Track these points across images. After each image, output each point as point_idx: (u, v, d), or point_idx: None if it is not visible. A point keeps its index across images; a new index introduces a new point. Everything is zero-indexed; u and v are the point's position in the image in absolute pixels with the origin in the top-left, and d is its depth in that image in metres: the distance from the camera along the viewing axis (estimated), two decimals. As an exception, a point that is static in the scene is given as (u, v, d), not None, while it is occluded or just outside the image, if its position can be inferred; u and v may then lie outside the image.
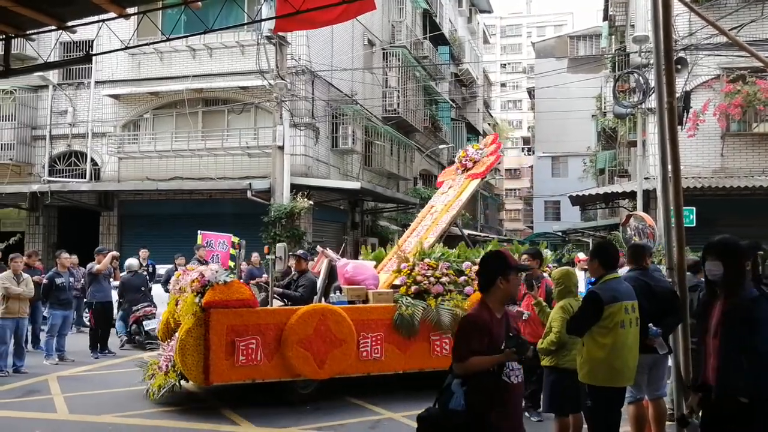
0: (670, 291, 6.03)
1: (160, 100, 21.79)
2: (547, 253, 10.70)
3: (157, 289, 15.03)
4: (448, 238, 12.13)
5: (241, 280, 12.52)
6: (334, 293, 9.78)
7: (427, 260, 9.80)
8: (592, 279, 6.00)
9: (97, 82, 22.17)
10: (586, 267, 12.21)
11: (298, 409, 8.68)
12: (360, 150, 23.92)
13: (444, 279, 9.62)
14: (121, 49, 13.34)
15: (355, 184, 20.85)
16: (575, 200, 24.58)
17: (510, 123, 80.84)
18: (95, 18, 8.85)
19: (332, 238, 22.34)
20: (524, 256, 8.58)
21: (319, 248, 11.86)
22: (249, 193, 18.95)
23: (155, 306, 14.23)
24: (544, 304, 7.10)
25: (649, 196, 18.20)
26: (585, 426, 6.24)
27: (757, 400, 4.30)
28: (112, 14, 8.30)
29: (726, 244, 4.63)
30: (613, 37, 30.76)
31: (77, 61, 19.01)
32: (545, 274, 8.56)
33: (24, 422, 8.30)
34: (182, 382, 9.01)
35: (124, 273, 14.71)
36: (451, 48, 36.50)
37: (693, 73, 17.96)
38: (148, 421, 8.32)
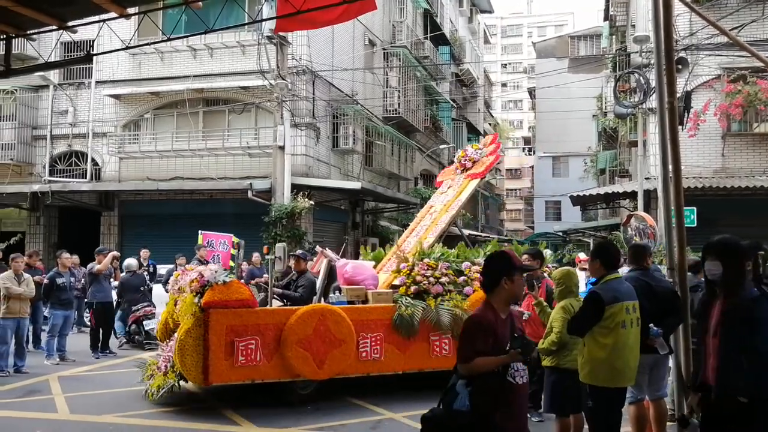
0: (671, 291, 6.03)
1: (161, 100, 21.79)
2: (547, 253, 10.70)
3: (158, 289, 15.02)
4: (448, 238, 12.12)
5: (242, 280, 12.56)
6: (334, 293, 9.77)
7: (426, 260, 9.80)
8: (593, 279, 6.00)
9: (97, 82, 22.18)
10: (586, 267, 12.24)
11: (299, 410, 8.67)
12: (361, 150, 23.91)
13: (443, 279, 9.62)
14: (122, 49, 13.35)
15: (355, 184, 20.84)
16: (576, 200, 24.58)
17: (511, 123, 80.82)
18: (96, 18, 8.85)
19: (333, 238, 22.33)
20: (524, 257, 8.58)
21: (318, 248, 11.85)
22: (250, 193, 18.95)
23: (154, 306, 14.24)
24: (545, 304, 7.10)
25: (649, 196, 18.20)
26: (586, 426, 6.24)
27: (758, 400, 4.30)
28: (113, 14, 8.30)
29: (725, 243, 4.63)
30: (613, 37, 30.76)
31: (78, 61, 19.04)
32: (545, 274, 8.56)
33: (25, 422, 8.30)
34: (181, 382, 9.01)
35: (123, 273, 14.71)
36: (451, 48, 36.50)
37: (694, 73, 17.97)
38: (148, 421, 8.32)
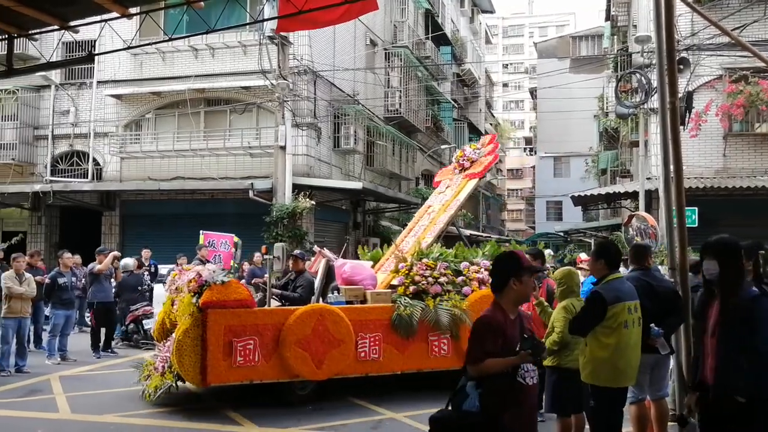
0: (673, 291, 6.02)
1: (162, 100, 21.81)
2: (548, 253, 10.71)
3: (159, 289, 15.02)
4: (447, 239, 12.12)
5: (243, 280, 12.56)
6: (332, 293, 9.75)
7: (425, 260, 9.79)
8: (592, 278, 5.99)
9: (99, 82, 22.19)
10: (583, 267, 12.24)
11: (300, 409, 8.67)
12: (362, 150, 23.92)
13: (442, 279, 9.62)
14: (124, 49, 13.37)
15: (357, 184, 20.85)
16: (577, 200, 24.58)
17: (512, 123, 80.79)
18: (98, 18, 8.85)
19: (334, 238, 22.35)
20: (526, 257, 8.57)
21: (316, 248, 11.84)
22: (251, 193, 18.96)
23: (153, 305, 14.30)
24: (546, 304, 7.10)
25: (651, 196, 18.19)
26: (587, 426, 6.24)
27: (758, 400, 4.29)
28: (115, 14, 8.30)
29: (722, 243, 4.63)
30: (615, 37, 30.74)
31: (79, 60, 19.08)
32: (546, 274, 8.55)
33: (26, 422, 8.31)
34: (179, 383, 8.97)
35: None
36: (453, 48, 36.50)
37: (695, 73, 17.95)
38: (149, 421, 8.33)
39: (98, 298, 13.34)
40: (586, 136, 43.99)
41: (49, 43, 19.51)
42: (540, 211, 58.51)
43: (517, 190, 73.57)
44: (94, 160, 22.20)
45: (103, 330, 13.54)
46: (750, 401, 4.30)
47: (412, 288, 9.50)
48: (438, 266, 9.72)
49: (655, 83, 14.91)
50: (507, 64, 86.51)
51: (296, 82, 19.65)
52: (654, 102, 17.23)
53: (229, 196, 20.50)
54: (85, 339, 13.87)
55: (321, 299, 9.80)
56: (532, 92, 59.05)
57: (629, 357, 5.52)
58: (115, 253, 14.20)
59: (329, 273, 10.16)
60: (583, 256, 15.31)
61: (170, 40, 12.58)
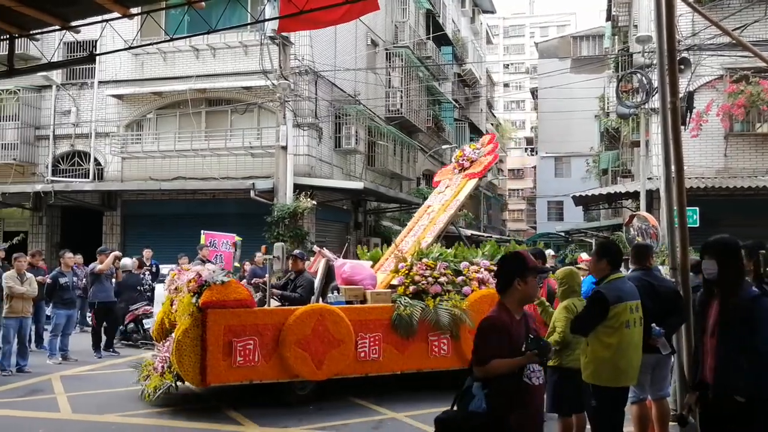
0: (674, 291, 6.02)
1: (164, 100, 21.82)
2: (549, 253, 10.70)
3: (160, 289, 15.04)
4: (448, 239, 12.11)
5: (245, 280, 12.56)
6: (332, 293, 9.74)
7: (425, 260, 9.79)
8: (592, 279, 5.99)
9: (100, 82, 22.21)
10: (582, 267, 12.22)
11: (301, 409, 8.68)
12: (363, 150, 23.93)
13: (442, 279, 9.61)
14: (125, 49, 13.37)
15: (358, 184, 20.86)
16: (578, 200, 24.58)
17: (513, 123, 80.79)
18: (99, 18, 8.87)
19: (335, 238, 22.36)
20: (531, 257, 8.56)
21: (316, 248, 11.83)
22: (252, 193, 18.97)
23: (153, 305, 14.34)
24: (547, 303, 7.10)
25: (652, 196, 18.19)
26: (588, 426, 6.24)
27: (758, 400, 4.30)
28: (116, 14, 8.31)
29: (721, 243, 4.64)
30: (616, 37, 30.74)
31: (81, 61, 19.09)
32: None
33: (27, 421, 8.32)
34: (179, 383, 8.95)
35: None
36: (454, 48, 36.51)
37: (696, 73, 17.94)
38: (150, 420, 8.33)
39: (99, 298, 13.34)
40: (587, 136, 44.01)
41: (51, 44, 19.53)
42: (541, 211, 58.54)
43: (518, 190, 73.58)
44: (96, 160, 22.21)
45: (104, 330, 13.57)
46: (750, 401, 4.30)
47: (412, 288, 9.49)
48: (438, 266, 9.71)
49: (656, 83, 14.90)
50: (508, 64, 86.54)
51: (297, 83, 19.66)
52: (655, 102, 17.21)
53: (230, 196, 20.50)
54: (87, 339, 13.87)
55: (321, 299, 9.79)
56: (533, 92, 59.05)
57: (631, 357, 5.53)
58: (116, 253, 14.21)
59: (329, 273, 10.14)
60: (585, 256, 15.31)
61: (171, 40, 12.58)
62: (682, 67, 15.98)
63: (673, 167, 5.92)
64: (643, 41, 17.50)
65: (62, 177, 22.23)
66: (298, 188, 18.87)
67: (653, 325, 5.88)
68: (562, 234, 37.86)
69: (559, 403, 6.41)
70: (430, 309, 9.32)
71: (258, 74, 19.06)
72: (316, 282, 10.09)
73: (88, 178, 22.00)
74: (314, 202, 18.69)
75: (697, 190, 16.92)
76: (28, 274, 11.78)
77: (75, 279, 13.21)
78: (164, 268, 16.55)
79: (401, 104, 26.68)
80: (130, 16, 8.74)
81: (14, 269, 11.62)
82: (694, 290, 6.29)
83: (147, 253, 16.75)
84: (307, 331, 8.68)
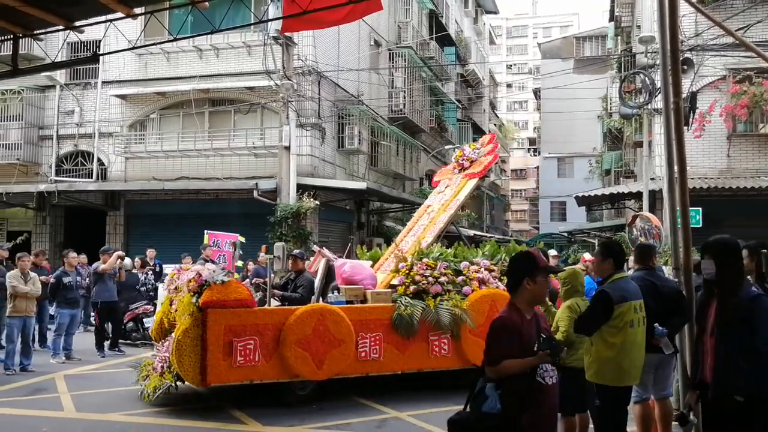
0: (677, 291, 6.03)
1: (167, 100, 21.84)
2: (552, 253, 10.70)
3: (163, 289, 15.10)
4: (448, 239, 12.11)
5: (247, 280, 12.57)
6: (332, 293, 9.75)
7: (425, 260, 9.80)
8: (589, 279, 6.00)
9: (104, 82, 22.24)
10: (580, 267, 12.21)
11: (304, 408, 8.69)
12: (366, 150, 23.94)
13: (442, 279, 9.62)
14: (128, 49, 13.39)
15: (361, 185, 20.86)
16: (581, 201, 24.56)
17: (516, 124, 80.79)
18: (102, 18, 8.89)
19: (338, 238, 22.37)
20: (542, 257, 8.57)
21: (315, 247, 11.83)
22: (255, 193, 18.98)
23: (153, 304, 14.40)
24: (549, 303, 7.11)
25: (655, 196, 18.18)
26: (591, 425, 6.25)
27: (758, 399, 4.30)
28: (120, 14, 8.33)
29: (720, 243, 4.65)
30: (619, 37, 30.71)
31: (84, 61, 19.11)
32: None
33: (31, 420, 8.34)
34: (178, 383, 8.95)
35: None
36: (457, 49, 36.52)
37: (699, 73, 17.92)
38: (154, 419, 8.35)
39: (102, 298, 13.36)
40: (589, 136, 43.97)
41: (54, 44, 19.56)
42: (544, 211, 58.52)
43: (521, 190, 73.54)
44: (99, 160, 22.24)
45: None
46: (749, 401, 4.31)
47: (412, 288, 9.50)
48: (438, 266, 9.72)
49: (658, 84, 14.90)
50: (511, 65, 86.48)
51: (301, 83, 19.67)
52: (658, 102, 17.21)
53: (233, 196, 20.51)
54: (90, 338, 13.91)
55: (321, 299, 9.80)
56: (536, 93, 59.00)
57: (634, 356, 5.54)
58: (120, 252, 14.24)
59: (329, 272, 10.14)
60: (587, 256, 15.32)
61: (175, 40, 12.60)
62: (685, 67, 15.98)
63: (676, 167, 5.92)
64: (646, 42, 17.49)
65: (66, 177, 22.25)
66: (301, 188, 18.89)
67: (656, 324, 5.89)
68: (565, 234, 37.84)
69: (562, 403, 6.37)
70: (431, 309, 9.33)
71: (261, 74, 19.07)
72: (316, 282, 10.08)
73: (92, 178, 22.02)
74: (317, 202, 18.69)
75: (700, 190, 16.91)
76: (32, 274, 11.82)
77: (78, 278, 13.24)
78: (167, 268, 16.59)
79: (404, 104, 26.69)
80: (134, 16, 8.75)
81: (18, 269, 11.66)
82: (695, 290, 6.30)
83: (150, 252, 16.80)
84: (308, 330, 8.69)
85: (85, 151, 22.56)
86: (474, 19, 44.88)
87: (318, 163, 20.83)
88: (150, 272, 15.94)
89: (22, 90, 22.36)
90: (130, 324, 14.51)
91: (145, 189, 21.23)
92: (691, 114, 16.77)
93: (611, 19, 32.20)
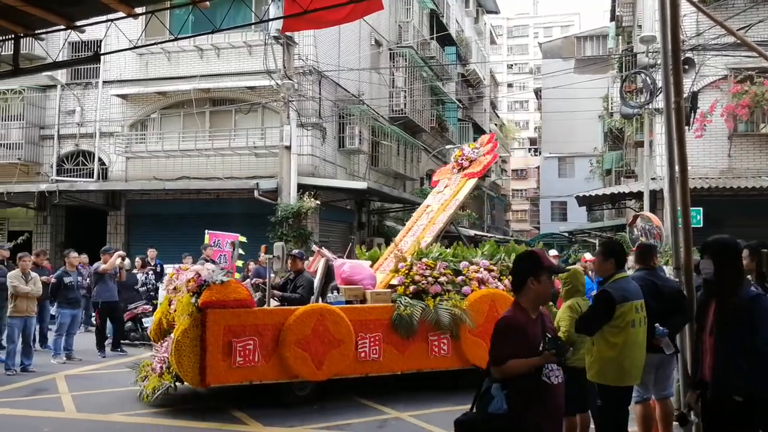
0: (678, 291, 6.02)
1: (168, 99, 21.83)
2: (552, 253, 10.68)
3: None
4: (448, 239, 12.10)
5: (248, 279, 12.57)
6: (332, 293, 9.73)
7: (424, 260, 9.79)
8: (598, 278, 6.00)
9: (105, 82, 22.24)
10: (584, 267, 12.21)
11: (306, 409, 8.69)
12: (367, 150, 23.94)
13: (442, 279, 9.61)
14: (129, 49, 13.40)
15: (361, 184, 20.85)
16: (582, 201, 24.55)
17: (517, 123, 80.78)
18: (104, 18, 8.89)
19: (339, 238, 22.37)
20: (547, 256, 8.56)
21: (315, 247, 11.81)
22: (256, 193, 18.97)
23: (153, 305, 14.41)
24: (550, 303, 7.10)
25: (656, 196, 18.17)
26: (592, 425, 6.25)
27: (757, 399, 4.30)
28: (121, 14, 8.34)
29: (719, 243, 4.66)
30: (620, 37, 30.70)
31: (85, 60, 19.10)
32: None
33: (32, 421, 8.34)
34: (177, 383, 8.93)
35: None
36: (457, 48, 36.50)
37: (700, 73, 17.90)
38: (155, 420, 8.35)
39: (103, 298, 13.36)
40: (590, 136, 43.95)
41: (55, 43, 19.56)
42: (544, 211, 58.51)
43: (521, 190, 73.51)
44: (100, 159, 22.24)
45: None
46: (748, 401, 4.31)
47: (412, 288, 9.49)
48: (438, 266, 9.71)
49: (660, 83, 14.89)
50: (512, 65, 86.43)
51: (301, 82, 19.66)
52: (659, 102, 17.20)
53: (234, 196, 20.51)
54: (91, 338, 13.91)
55: (320, 299, 9.78)
56: (537, 92, 58.99)
57: (635, 356, 5.54)
58: (120, 252, 14.24)
59: (328, 272, 10.13)
60: (588, 256, 15.32)
61: (176, 39, 12.63)
62: (687, 67, 15.98)
63: (677, 167, 5.91)
64: (647, 41, 17.47)
65: (67, 177, 22.25)
66: (302, 188, 18.88)
67: (657, 324, 5.89)
68: (566, 234, 37.84)
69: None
70: (431, 309, 9.31)
71: (262, 74, 19.06)
72: (316, 282, 10.06)
73: (93, 177, 22.02)
74: (318, 202, 18.69)
75: (701, 190, 16.90)
76: (33, 274, 11.82)
77: (80, 278, 13.24)
78: (168, 268, 16.61)
79: (405, 104, 26.68)
80: (135, 16, 8.76)
81: (19, 269, 11.66)
82: (696, 290, 6.30)
83: (151, 252, 16.80)
84: (307, 331, 8.67)
85: (86, 151, 22.56)
86: (475, 19, 44.86)
87: (319, 163, 20.83)
88: (151, 272, 15.95)
89: (23, 90, 22.36)
90: (129, 324, 14.53)
91: (146, 189, 21.23)
92: (692, 114, 16.77)
93: (612, 18, 32.19)
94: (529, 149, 78.41)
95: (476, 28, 45.38)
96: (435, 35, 31.47)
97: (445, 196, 11.93)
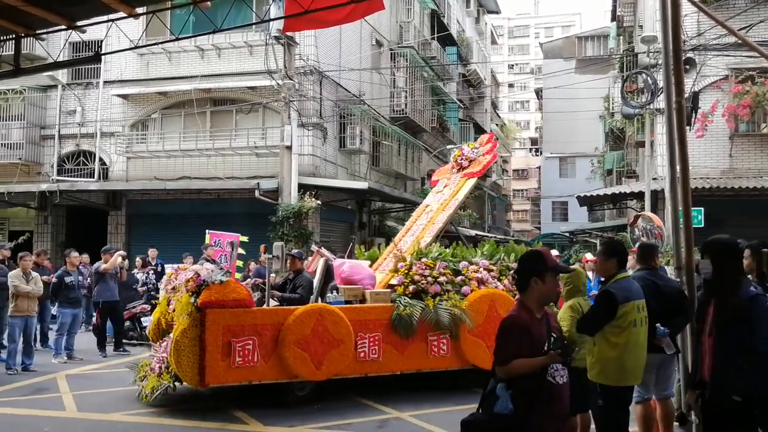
0: (679, 291, 6.02)
1: (169, 99, 21.84)
2: (554, 253, 10.66)
3: (165, 288, 15.11)
4: (448, 239, 12.08)
5: (249, 279, 12.56)
6: (331, 293, 9.72)
7: (424, 260, 9.78)
8: (600, 278, 5.99)
9: (105, 82, 22.25)
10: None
11: (306, 408, 8.68)
12: (368, 150, 23.94)
13: (441, 279, 9.60)
14: (130, 49, 13.41)
15: (362, 184, 20.86)
16: (583, 201, 24.54)
17: (518, 124, 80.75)
18: (105, 18, 8.89)
19: (340, 238, 22.37)
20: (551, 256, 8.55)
21: (314, 247, 11.80)
22: (257, 193, 18.98)
23: (153, 305, 14.42)
24: (552, 303, 7.08)
25: (657, 196, 18.17)
26: (593, 425, 6.24)
27: (756, 399, 4.30)
28: (122, 14, 8.33)
29: (718, 243, 4.66)
30: (621, 37, 30.70)
31: (86, 60, 19.08)
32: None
33: (32, 420, 8.34)
34: (176, 383, 8.92)
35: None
36: (458, 48, 36.49)
37: (701, 73, 17.90)
38: (156, 419, 8.35)
39: (104, 297, 13.35)
40: (591, 136, 43.95)
41: (56, 43, 19.57)
42: (545, 211, 58.51)
43: (522, 190, 73.51)
44: (101, 159, 22.26)
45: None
46: (747, 400, 4.30)
47: (411, 287, 9.48)
48: (437, 266, 9.70)
49: (661, 83, 14.88)
50: (513, 65, 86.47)
51: (302, 82, 19.66)
52: (660, 102, 17.21)
53: (235, 196, 20.52)
54: (92, 338, 13.91)
55: (320, 299, 9.77)
56: (538, 93, 59.00)
57: (637, 356, 5.54)
58: (121, 252, 14.24)
59: (328, 272, 10.11)
60: (589, 256, 15.31)
61: (177, 39, 12.64)
62: (688, 67, 15.98)
63: (678, 167, 5.90)
64: (648, 41, 17.46)
65: (67, 176, 22.26)
66: (303, 188, 18.88)
67: (658, 324, 5.89)
68: (567, 234, 37.82)
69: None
70: (430, 309, 9.30)
71: (263, 74, 19.05)
72: (315, 281, 10.04)
73: (93, 177, 22.03)
74: (319, 202, 18.68)
75: (702, 190, 16.89)
76: (34, 273, 11.83)
77: (80, 278, 13.24)
78: (169, 268, 16.61)
79: (406, 104, 26.68)
80: (136, 16, 8.75)
81: (20, 268, 11.67)
82: (697, 290, 6.30)
83: (152, 252, 16.82)
84: (307, 331, 8.66)
85: (87, 151, 22.57)
86: (476, 19, 44.85)
87: (320, 163, 20.83)
88: (151, 272, 15.95)
89: (24, 90, 22.38)
90: (127, 323, 14.52)
91: (147, 189, 21.24)
92: (694, 114, 16.77)
93: (613, 18, 32.20)
94: (530, 149, 78.42)
95: (477, 28, 45.37)
96: (436, 35, 31.47)
97: (444, 196, 11.92)
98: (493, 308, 9.52)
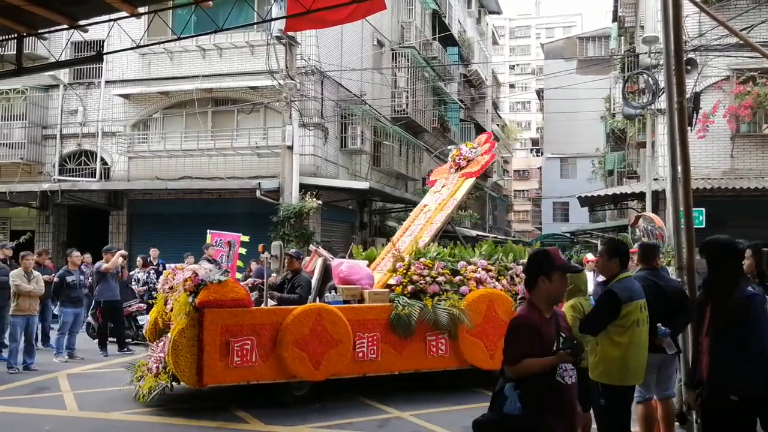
0: (680, 291, 6.02)
1: (170, 99, 21.85)
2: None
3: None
4: (448, 239, 12.08)
5: (250, 279, 12.56)
6: (329, 293, 9.70)
7: (422, 259, 9.78)
8: (601, 278, 5.99)
9: (107, 82, 22.26)
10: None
11: (307, 407, 8.69)
12: (369, 150, 23.95)
13: (440, 278, 9.60)
14: (132, 49, 13.42)
15: (363, 184, 20.86)
16: (584, 201, 24.53)
17: (519, 124, 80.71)
18: (107, 17, 8.90)
19: (341, 237, 22.38)
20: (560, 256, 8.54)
21: (312, 247, 11.80)
22: (258, 193, 18.99)
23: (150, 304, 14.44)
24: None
25: (658, 197, 18.16)
26: (594, 425, 6.24)
27: (754, 398, 4.31)
28: (124, 13, 8.35)
29: (716, 243, 4.67)
30: (622, 38, 30.68)
31: (88, 60, 19.11)
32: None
33: (34, 419, 8.35)
34: (174, 383, 8.88)
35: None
36: (460, 49, 36.50)
37: (703, 74, 17.89)
38: (156, 418, 8.36)
39: (105, 297, 13.36)
40: (592, 137, 43.94)
41: (58, 43, 19.57)
42: (546, 212, 58.47)
43: (523, 191, 73.47)
44: (102, 159, 22.27)
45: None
46: (745, 400, 4.31)
47: (409, 287, 9.48)
48: (436, 265, 9.70)
49: (662, 84, 14.88)
50: (514, 65, 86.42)
51: (304, 83, 19.67)
52: (661, 102, 17.23)
53: (236, 196, 20.53)
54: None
55: (318, 299, 9.76)
56: (539, 93, 58.99)
57: (640, 355, 5.54)
58: (123, 251, 14.25)
59: (326, 272, 10.10)
60: (590, 256, 15.31)
61: (178, 39, 12.63)
62: (689, 67, 15.97)
63: (679, 168, 5.91)
64: (649, 42, 17.46)
65: (69, 176, 22.28)
66: (304, 188, 18.89)
67: (659, 324, 5.89)
68: (568, 235, 37.79)
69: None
70: (428, 309, 9.29)
71: (264, 74, 19.07)
72: (313, 281, 10.03)
73: (95, 177, 22.05)
74: (320, 202, 18.69)
75: (704, 191, 16.89)
76: (35, 273, 11.84)
77: (82, 277, 13.25)
78: (170, 267, 16.60)
79: (407, 104, 26.68)
80: (138, 16, 8.77)
81: (21, 267, 11.68)
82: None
83: (153, 252, 16.83)
84: (305, 331, 8.66)
85: (89, 151, 22.59)
86: (477, 20, 44.84)
87: (321, 163, 20.84)
88: (152, 271, 15.96)
89: (26, 89, 22.40)
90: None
91: (148, 188, 21.26)
92: (695, 114, 16.75)
93: (614, 19, 32.18)
94: (531, 150, 78.40)
95: (478, 28, 45.37)
96: (437, 36, 31.48)
97: (442, 196, 11.91)
98: (492, 308, 9.52)
